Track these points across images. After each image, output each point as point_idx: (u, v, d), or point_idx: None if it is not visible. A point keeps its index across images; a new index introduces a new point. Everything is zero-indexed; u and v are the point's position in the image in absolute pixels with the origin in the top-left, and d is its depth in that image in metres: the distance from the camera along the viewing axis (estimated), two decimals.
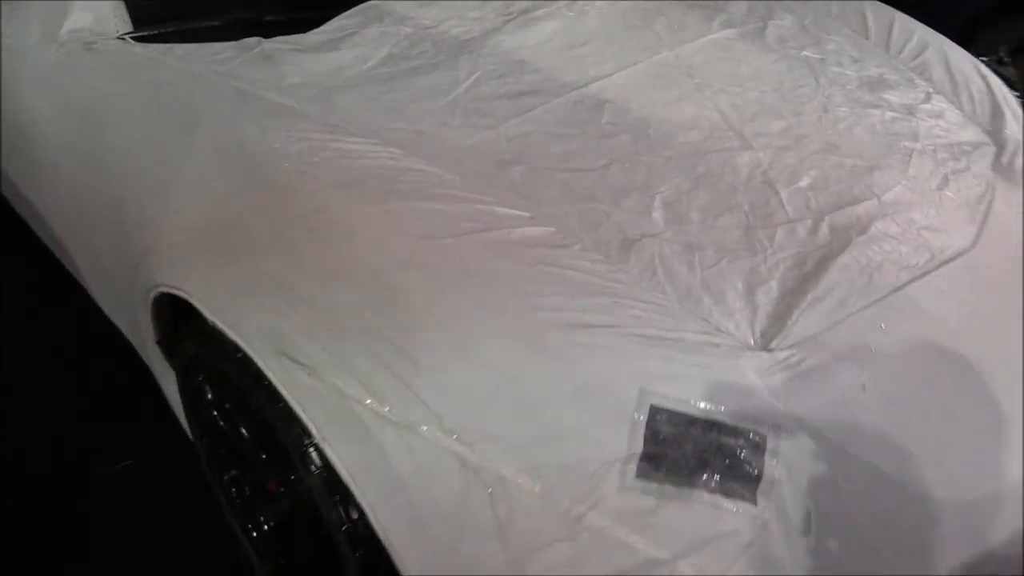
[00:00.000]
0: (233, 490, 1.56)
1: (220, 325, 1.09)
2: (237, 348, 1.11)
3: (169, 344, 1.47)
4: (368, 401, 0.98)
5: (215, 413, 1.41)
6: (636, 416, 0.98)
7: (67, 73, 1.59)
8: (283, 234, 1.10)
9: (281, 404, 1.08)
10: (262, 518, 1.55)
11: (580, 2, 1.81)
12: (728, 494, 0.98)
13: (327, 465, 1.06)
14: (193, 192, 1.24)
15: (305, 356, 1.02)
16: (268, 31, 1.66)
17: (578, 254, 1.14)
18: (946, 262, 1.31)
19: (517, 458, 0.96)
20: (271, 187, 1.16)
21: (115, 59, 1.55)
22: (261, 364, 1.04)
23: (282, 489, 1.42)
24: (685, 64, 1.64)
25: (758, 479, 1.00)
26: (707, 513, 0.97)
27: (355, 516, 1.08)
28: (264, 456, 1.34)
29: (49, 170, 1.70)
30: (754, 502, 0.99)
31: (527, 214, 1.18)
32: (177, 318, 1.41)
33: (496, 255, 1.09)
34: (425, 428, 0.97)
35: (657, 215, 1.25)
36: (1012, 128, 1.72)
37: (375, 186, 1.15)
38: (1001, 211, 1.48)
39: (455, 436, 0.97)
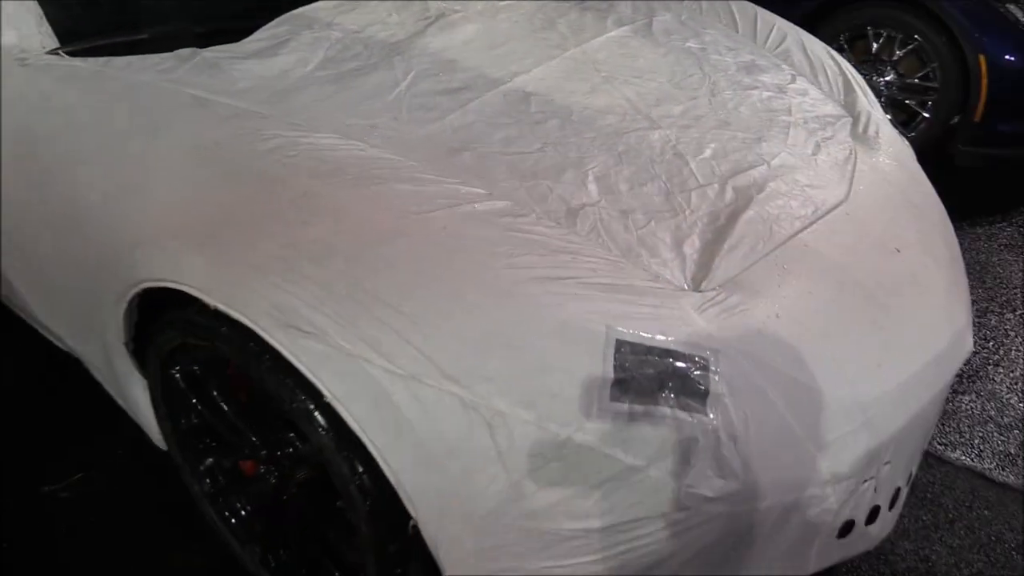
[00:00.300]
0: (207, 480, 1.63)
1: (224, 308, 1.19)
2: (236, 329, 1.22)
3: (138, 345, 1.53)
4: (375, 359, 1.12)
5: (194, 401, 1.49)
6: (605, 349, 1.16)
7: (6, 89, 1.61)
8: (276, 219, 1.22)
9: (286, 377, 1.20)
10: (238, 503, 1.63)
11: (487, 2, 1.98)
12: (684, 408, 1.18)
13: (334, 425, 1.19)
14: (170, 191, 1.32)
15: (312, 326, 1.14)
16: (196, 43, 1.73)
17: (534, 221, 1.31)
18: (828, 212, 1.56)
19: (510, 393, 1.12)
20: (256, 179, 1.27)
21: (53, 73, 1.59)
22: (270, 339, 1.15)
23: (262, 469, 1.52)
24: (591, 59, 1.85)
25: (706, 394, 1.20)
26: (670, 424, 1.16)
27: (361, 469, 1.21)
28: (252, 436, 1.43)
29: None
30: (705, 413, 1.19)
31: (485, 191, 1.34)
32: (141, 320, 1.48)
33: (468, 224, 1.25)
34: (428, 377, 1.12)
35: (592, 187, 1.44)
36: (862, 102, 2.02)
37: (352, 172, 1.28)
38: (863, 170, 1.76)
39: (455, 381, 1.12)
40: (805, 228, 1.51)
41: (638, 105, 1.71)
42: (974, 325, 2.47)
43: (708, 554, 1.24)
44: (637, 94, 1.75)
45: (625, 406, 1.15)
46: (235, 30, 1.80)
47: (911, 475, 1.54)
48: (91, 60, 1.63)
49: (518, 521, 1.14)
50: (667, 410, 1.17)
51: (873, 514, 1.43)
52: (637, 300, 1.24)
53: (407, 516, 1.20)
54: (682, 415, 1.17)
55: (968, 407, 2.23)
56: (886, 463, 1.39)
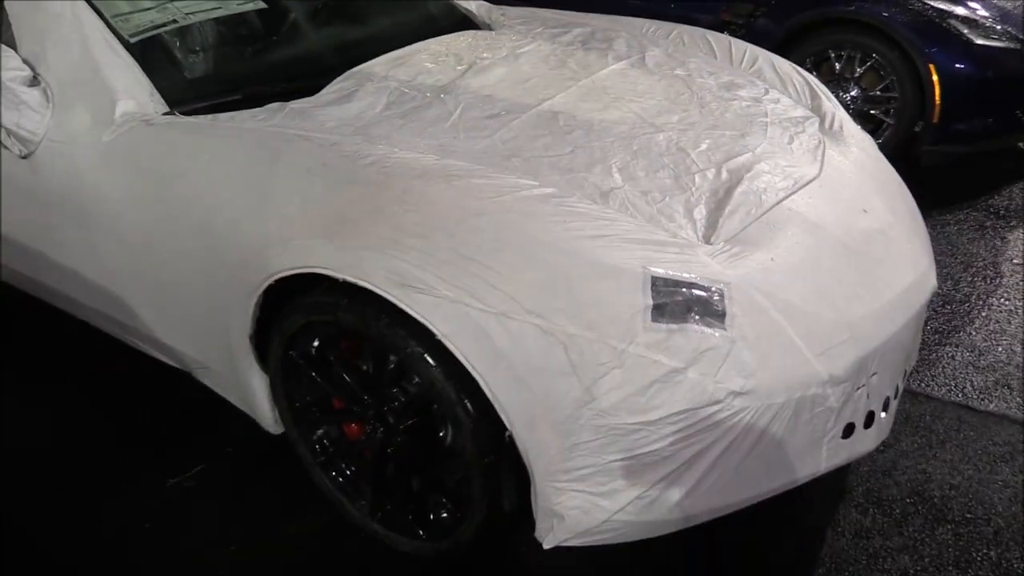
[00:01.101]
0: (318, 448, 1.97)
1: (352, 279, 1.55)
2: (356, 300, 1.58)
3: (258, 341, 1.88)
4: (472, 302, 1.48)
5: (312, 375, 1.84)
6: (645, 284, 1.53)
7: (130, 147, 2.00)
8: (383, 210, 1.59)
9: (400, 329, 1.56)
10: (345, 465, 1.96)
11: (509, 50, 2.40)
12: (707, 324, 1.53)
13: (442, 361, 1.54)
14: (291, 203, 1.70)
15: (421, 283, 1.50)
16: (277, 99, 2.13)
17: (577, 201, 1.69)
18: (805, 184, 1.95)
19: (576, 320, 1.48)
20: (363, 184, 1.65)
21: (176, 128, 1.99)
22: (389, 296, 1.51)
23: (368, 428, 1.86)
24: (600, 86, 2.25)
25: (724, 314, 1.56)
26: (699, 337, 1.52)
27: (464, 396, 1.56)
28: (365, 396, 1.78)
29: (109, 233, 2.07)
30: (725, 328, 1.54)
31: (535, 182, 1.72)
32: (262, 317, 1.84)
33: (530, 203, 1.63)
34: (514, 313, 1.48)
35: (616, 176, 1.83)
36: (827, 105, 2.42)
37: (437, 174, 1.67)
38: (831, 155, 2.15)
39: (535, 313, 1.48)
40: (787, 197, 1.89)
41: (643, 116, 2.11)
42: (951, 292, 2.84)
43: (739, 445, 1.57)
44: (641, 108, 2.14)
45: (663, 324, 1.51)
46: (306, 88, 2.20)
47: (898, 389, 1.88)
48: (201, 116, 2.03)
49: (591, 420, 1.49)
50: (695, 327, 1.52)
51: (869, 419, 1.76)
52: (663, 250, 1.61)
53: (503, 429, 1.54)
54: (707, 330, 1.53)
55: (949, 355, 2.57)
56: (874, 373, 1.73)
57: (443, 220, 1.57)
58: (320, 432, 1.96)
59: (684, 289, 1.55)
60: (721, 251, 1.68)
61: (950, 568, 1.83)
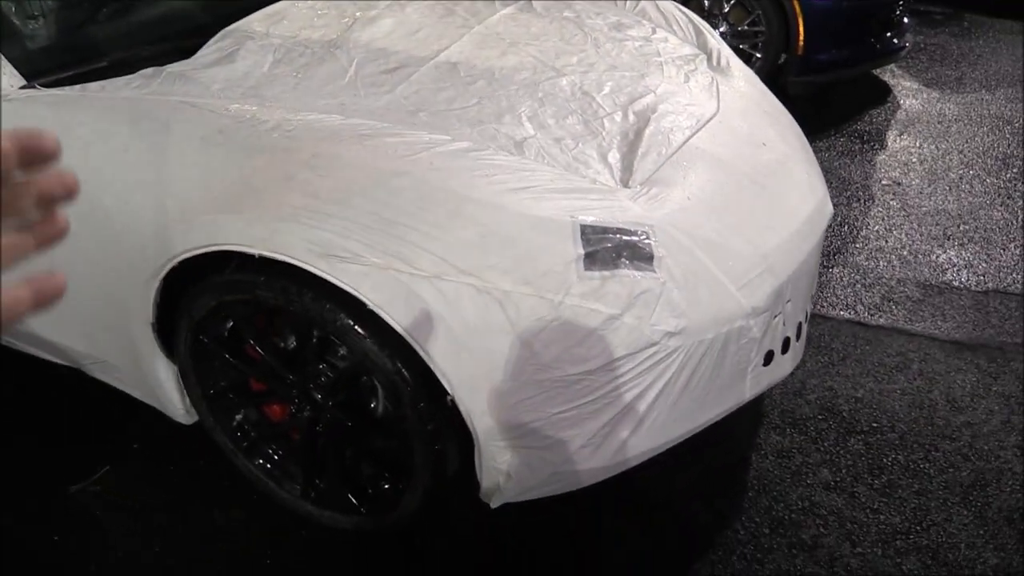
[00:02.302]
0: (239, 434, 1.87)
1: (268, 254, 1.45)
2: (274, 276, 1.49)
3: (160, 327, 1.75)
4: (402, 267, 1.42)
5: (227, 358, 1.73)
6: (575, 234, 1.51)
7: None
8: (294, 177, 1.49)
9: (326, 302, 1.48)
10: (270, 448, 1.88)
11: (396, 3, 2.30)
12: (638, 268, 1.54)
13: (375, 331, 1.47)
14: (189, 178, 1.57)
15: (346, 251, 1.42)
16: (149, 64, 1.95)
17: (494, 153, 1.65)
18: (707, 121, 1.97)
19: (511, 276, 1.45)
20: (268, 150, 1.54)
21: (39, 102, 1.78)
22: (312, 269, 1.43)
23: (293, 408, 1.77)
24: (493, 32, 2.19)
25: (651, 257, 1.56)
26: (631, 281, 1.52)
27: (400, 364, 1.50)
28: (289, 375, 1.69)
29: None
30: (654, 271, 1.55)
31: (448, 137, 1.66)
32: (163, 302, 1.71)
33: (447, 159, 1.57)
34: (447, 275, 1.43)
35: (527, 125, 1.79)
36: (711, 42, 2.46)
37: (346, 135, 1.57)
38: (724, 91, 2.19)
39: (468, 273, 1.43)
40: (693, 135, 1.91)
41: (543, 60, 2.07)
42: (832, 218, 2.99)
43: (675, 384, 1.60)
44: (539, 51, 2.11)
45: (597, 272, 1.50)
46: (180, 50, 2.03)
47: (807, 313, 1.96)
48: (67, 88, 1.84)
49: (533, 376, 1.47)
50: (626, 271, 1.53)
51: (786, 344, 1.84)
52: (586, 197, 1.60)
53: (443, 394, 1.50)
54: (638, 274, 1.53)
55: (838, 276, 2.72)
56: (788, 301, 1.80)
57: (361, 183, 1.49)
58: (239, 417, 1.86)
59: (612, 235, 1.55)
60: (640, 194, 1.68)
61: (865, 475, 1.95)
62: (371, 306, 1.43)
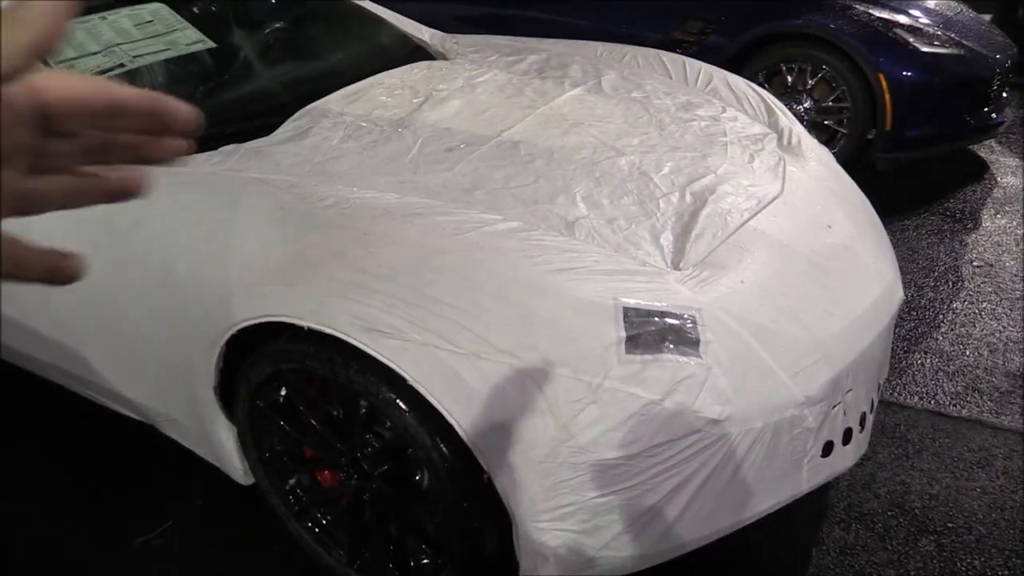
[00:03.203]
0: (291, 498, 1.91)
1: (316, 326, 1.51)
2: (323, 347, 1.54)
3: (222, 391, 1.83)
4: (442, 344, 1.45)
5: (281, 424, 1.78)
6: (617, 316, 1.50)
7: None
8: (345, 255, 1.55)
9: (371, 375, 1.51)
10: (320, 514, 1.91)
11: (465, 81, 2.39)
12: (682, 353, 1.52)
13: (414, 405, 1.50)
14: (251, 250, 1.65)
15: (389, 327, 1.46)
16: (231, 141, 2.09)
17: (543, 234, 1.67)
18: (768, 203, 1.95)
19: (549, 357, 1.45)
20: (323, 227, 1.61)
21: None
22: (356, 343, 1.47)
23: (342, 475, 1.81)
24: (558, 113, 2.24)
25: (697, 342, 1.54)
26: (674, 367, 1.50)
27: (439, 439, 1.52)
28: (337, 443, 1.73)
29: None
30: (699, 356, 1.53)
31: (500, 216, 1.70)
32: (226, 368, 1.79)
33: (494, 239, 1.60)
34: (486, 353, 1.44)
35: (581, 205, 1.81)
36: (783, 120, 2.44)
37: (399, 213, 1.63)
38: (791, 171, 2.16)
39: (507, 353, 1.45)
40: (752, 217, 1.89)
41: (604, 141, 2.10)
42: (915, 298, 2.87)
43: (721, 473, 1.55)
44: (601, 132, 2.14)
45: (638, 356, 1.49)
46: (261, 128, 2.16)
47: (873, 403, 1.88)
48: None
49: (570, 458, 1.46)
50: (670, 356, 1.51)
51: (847, 435, 1.76)
52: (633, 279, 1.60)
53: (480, 472, 1.50)
54: (682, 359, 1.51)
55: (919, 362, 2.59)
56: (849, 390, 1.73)
57: (407, 261, 1.53)
58: (293, 481, 1.90)
59: (656, 319, 1.54)
60: (690, 276, 1.67)
61: None
62: (410, 381, 1.46)
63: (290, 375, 1.70)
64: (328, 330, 1.51)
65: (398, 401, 1.52)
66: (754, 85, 2.63)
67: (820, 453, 1.69)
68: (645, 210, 1.83)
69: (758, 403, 1.55)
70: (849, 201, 2.19)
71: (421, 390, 1.46)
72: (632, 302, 1.54)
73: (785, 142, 2.33)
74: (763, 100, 2.55)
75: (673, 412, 1.47)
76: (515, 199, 1.79)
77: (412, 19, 3.03)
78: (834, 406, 1.69)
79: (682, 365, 1.50)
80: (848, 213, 2.10)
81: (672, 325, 1.54)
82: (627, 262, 1.65)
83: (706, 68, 2.72)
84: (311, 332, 1.55)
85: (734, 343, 1.57)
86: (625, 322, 1.51)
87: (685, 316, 1.56)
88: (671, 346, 1.52)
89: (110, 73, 2.25)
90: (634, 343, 1.49)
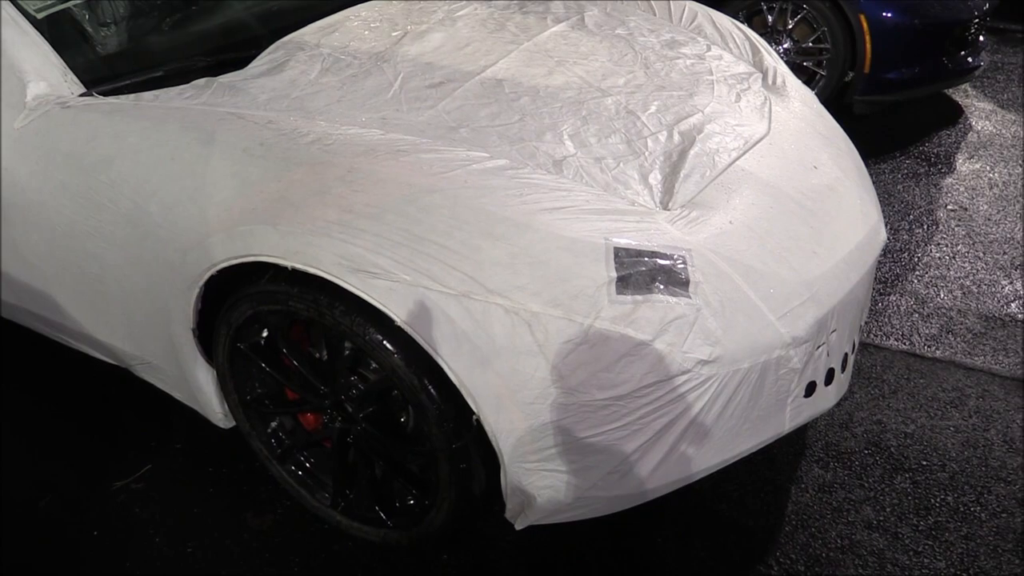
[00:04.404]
0: (273, 441, 1.89)
1: (301, 267, 1.47)
2: (308, 288, 1.50)
3: (201, 334, 1.79)
4: (431, 285, 1.42)
5: (263, 366, 1.75)
6: (607, 256, 1.48)
7: (46, 132, 1.85)
8: (329, 191, 1.50)
9: (357, 316, 1.48)
10: (303, 456, 1.89)
11: (445, 14, 2.31)
12: (672, 294, 1.50)
13: (403, 347, 1.48)
14: (230, 187, 1.60)
15: (376, 267, 1.43)
16: (204, 74, 2.00)
17: (531, 172, 1.63)
18: (756, 143, 1.92)
19: (540, 297, 1.43)
20: (305, 163, 1.56)
21: (96, 110, 1.84)
22: (343, 283, 1.44)
23: (325, 418, 1.79)
24: (542, 50, 2.18)
25: (687, 282, 1.53)
26: (664, 307, 1.48)
27: (427, 380, 1.50)
28: (321, 386, 1.71)
29: (31, 227, 1.93)
30: (689, 296, 1.52)
31: (486, 154, 1.66)
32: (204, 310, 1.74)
33: (482, 177, 1.56)
34: (475, 293, 1.42)
35: (568, 143, 1.77)
36: (768, 60, 2.40)
37: (383, 150, 1.58)
38: (777, 111, 2.13)
39: (497, 293, 1.42)
40: (740, 157, 1.87)
41: (589, 80, 2.05)
42: (891, 241, 2.89)
43: (709, 412, 1.55)
44: (586, 71, 2.09)
45: (629, 296, 1.47)
46: (234, 61, 2.07)
47: (855, 344, 1.89)
48: (123, 97, 1.89)
49: (560, 399, 1.45)
50: (660, 296, 1.49)
51: (830, 376, 1.77)
52: (623, 219, 1.57)
53: (469, 413, 1.49)
54: (672, 299, 1.50)
55: (895, 304, 2.62)
56: (832, 331, 1.74)
57: (394, 199, 1.49)
58: (275, 424, 1.88)
59: (647, 259, 1.52)
60: (679, 216, 1.65)
61: (911, 516, 1.87)
62: (399, 322, 1.43)
63: (272, 316, 1.66)
64: (313, 270, 1.47)
65: (385, 343, 1.49)
66: (738, 23, 2.58)
67: (803, 393, 1.71)
68: (633, 149, 1.80)
69: (746, 344, 1.55)
70: (833, 142, 2.17)
71: (410, 331, 1.44)
72: (623, 242, 1.52)
73: (770, 81, 2.30)
74: (748, 38, 2.51)
75: (663, 352, 1.47)
76: (501, 137, 1.75)
77: None
78: (818, 347, 1.70)
79: (672, 306, 1.49)
80: (832, 154, 2.09)
81: (662, 265, 1.52)
82: (616, 201, 1.62)
83: (690, 5, 2.66)
84: (294, 272, 1.51)
85: (723, 284, 1.56)
86: (615, 262, 1.49)
87: (675, 256, 1.55)
88: (661, 286, 1.50)
89: (72, 2, 2.14)
90: (624, 283, 1.48)
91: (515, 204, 1.52)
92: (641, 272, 1.50)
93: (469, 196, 1.52)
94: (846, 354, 1.83)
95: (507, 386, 1.45)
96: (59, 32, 2.00)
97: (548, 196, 1.55)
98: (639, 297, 1.48)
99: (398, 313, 1.43)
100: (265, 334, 1.72)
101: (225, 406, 1.90)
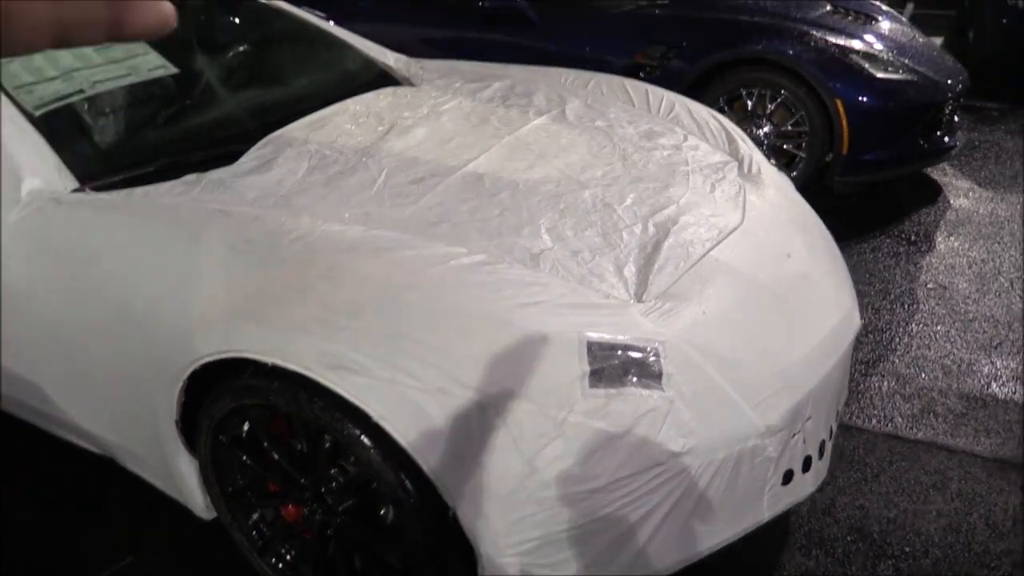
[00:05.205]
0: (255, 533, 1.89)
1: (280, 363, 1.50)
2: (288, 383, 1.53)
3: (184, 426, 1.81)
4: (408, 381, 1.45)
5: (244, 459, 1.77)
6: (581, 350, 1.52)
7: (39, 227, 1.91)
8: (311, 288, 1.55)
9: (336, 412, 1.51)
10: (283, 549, 1.89)
11: (430, 108, 2.40)
12: (645, 386, 1.54)
13: (380, 442, 1.50)
14: (215, 284, 1.64)
15: (355, 364, 1.46)
16: (194, 169, 2.07)
17: (508, 267, 1.68)
18: (729, 233, 1.98)
19: (515, 392, 1.46)
20: (288, 261, 1.61)
21: (88, 206, 1.90)
22: (322, 380, 1.47)
23: (306, 510, 1.80)
24: (523, 143, 2.26)
25: (660, 374, 1.56)
26: (637, 399, 1.51)
27: (403, 475, 1.52)
28: (301, 478, 1.72)
29: (20, 319, 1.97)
30: (662, 388, 1.55)
31: (464, 250, 1.71)
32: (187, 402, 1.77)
33: (460, 274, 1.61)
34: (451, 389, 1.45)
35: (545, 237, 1.83)
36: (743, 148, 2.49)
37: (365, 247, 1.64)
38: (751, 200, 2.20)
39: (472, 388, 1.45)
40: (713, 248, 1.92)
41: (568, 173, 2.12)
42: (872, 321, 2.93)
43: (684, 504, 1.57)
44: (566, 164, 2.16)
45: (602, 390, 1.50)
46: (224, 156, 2.14)
47: (832, 430, 1.91)
48: (114, 192, 1.95)
49: (536, 493, 1.46)
50: (633, 389, 1.52)
51: (807, 463, 1.79)
52: (597, 313, 1.61)
53: (446, 507, 1.50)
54: (645, 391, 1.53)
55: (876, 386, 2.65)
56: (808, 418, 1.76)
57: (372, 297, 1.53)
58: (256, 516, 1.88)
59: (620, 352, 1.55)
60: (653, 308, 1.69)
61: None
62: (375, 418, 1.46)
63: (253, 410, 1.68)
64: (293, 367, 1.50)
65: (363, 437, 1.51)
66: (715, 113, 2.67)
67: (781, 482, 1.72)
68: (609, 242, 1.85)
69: (720, 434, 1.58)
70: (807, 229, 2.24)
71: (386, 427, 1.46)
72: (596, 336, 1.55)
73: (745, 170, 2.38)
74: (723, 128, 2.60)
75: (637, 445, 1.49)
76: (480, 232, 1.80)
77: (378, 43, 3.03)
78: (794, 435, 1.72)
79: (645, 398, 1.52)
80: (807, 242, 2.15)
81: (635, 358, 1.56)
82: (591, 295, 1.67)
83: (668, 95, 2.76)
84: (275, 368, 1.54)
85: (696, 375, 1.60)
86: (589, 356, 1.52)
87: (648, 349, 1.58)
88: (634, 379, 1.53)
89: (69, 100, 2.22)
90: (598, 377, 1.51)
91: (491, 300, 1.56)
92: (614, 365, 1.53)
93: (446, 293, 1.56)
94: (823, 440, 1.85)
95: (482, 481, 1.47)
96: (55, 128, 2.08)
97: (524, 291, 1.59)
98: (612, 390, 1.51)
99: (375, 409, 1.46)
100: (247, 427, 1.74)
101: (207, 497, 1.90)
